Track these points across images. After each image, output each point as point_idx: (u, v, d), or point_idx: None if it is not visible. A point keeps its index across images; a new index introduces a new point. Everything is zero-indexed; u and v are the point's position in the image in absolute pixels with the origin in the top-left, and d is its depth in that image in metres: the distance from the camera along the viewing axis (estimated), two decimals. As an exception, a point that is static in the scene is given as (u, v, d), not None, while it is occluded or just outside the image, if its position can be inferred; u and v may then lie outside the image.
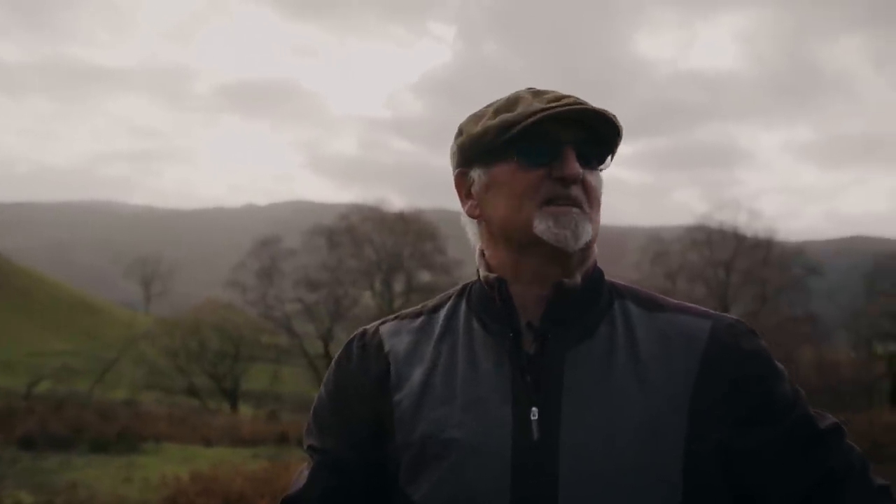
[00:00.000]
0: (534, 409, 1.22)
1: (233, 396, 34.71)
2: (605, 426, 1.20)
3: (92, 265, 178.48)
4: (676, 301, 1.35)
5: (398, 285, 39.25)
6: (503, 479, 1.20)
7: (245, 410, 32.04)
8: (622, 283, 1.37)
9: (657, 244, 38.84)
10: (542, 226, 1.23)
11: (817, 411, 1.30)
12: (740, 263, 36.04)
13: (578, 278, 1.28)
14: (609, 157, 1.30)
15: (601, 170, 1.30)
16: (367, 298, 39.05)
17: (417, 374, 1.31)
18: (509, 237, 1.28)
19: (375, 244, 40.41)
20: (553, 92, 1.29)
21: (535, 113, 1.23)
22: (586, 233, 1.24)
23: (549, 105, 1.24)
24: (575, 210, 1.24)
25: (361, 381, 1.35)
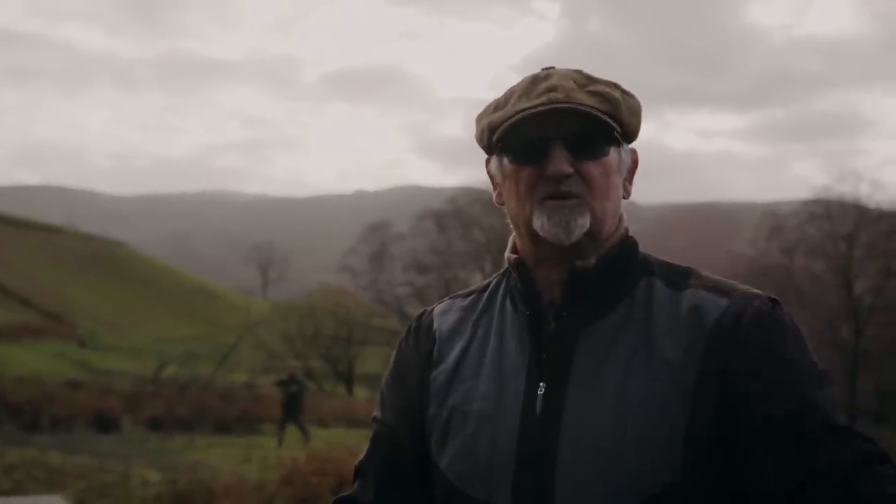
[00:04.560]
0: (541, 384, 1.28)
1: (348, 379, 35.45)
2: (607, 402, 1.23)
3: (211, 254, 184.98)
4: (716, 278, 1.32)
5: (507, 267, 39.36)
6: (509, 450, 1.26)
7: (360, 393, 32.68)
8: (661, 259, 1.38)
9: (773, 219, 37.62)
10: (538, 222, 1.28)
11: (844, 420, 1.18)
12: (863, 236, 34.56)
13: (592, 260, 1.31)
14: (611, 145, 1.31)
15: (603, 156, 1.30)
16: (477, 280, 39.13)
17: (456, 350, 1.40)
18: (519, 229, 1.35)
19: (484, 226, 40.50)
20: (552, 78, 1.30)
21: (513, 115, 1.28)
22: (581, 225, 1.27)
23: (526, 107, 1.27)
24: (570, 202, 1.27)
25: (413, 358, 1.45)
